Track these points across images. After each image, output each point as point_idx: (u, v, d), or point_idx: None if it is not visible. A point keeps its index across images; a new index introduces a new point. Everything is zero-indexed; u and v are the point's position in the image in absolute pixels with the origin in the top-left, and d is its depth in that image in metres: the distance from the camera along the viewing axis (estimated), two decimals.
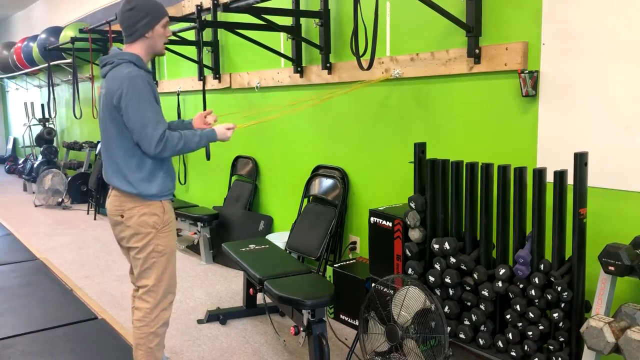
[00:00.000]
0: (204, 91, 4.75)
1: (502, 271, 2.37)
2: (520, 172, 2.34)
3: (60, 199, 7.57)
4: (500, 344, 2.42)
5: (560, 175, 2.22)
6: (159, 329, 2.56)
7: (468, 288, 2.51)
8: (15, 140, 11.95)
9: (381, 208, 2.93)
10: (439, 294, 2.63)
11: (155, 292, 2.53)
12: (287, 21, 4.03)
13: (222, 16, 4.82)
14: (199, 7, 5.07)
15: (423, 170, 2.69)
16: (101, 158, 2.58)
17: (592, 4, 2.43)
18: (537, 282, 2.25)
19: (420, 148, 2.71)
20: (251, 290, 3.49)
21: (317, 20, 3.83)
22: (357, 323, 3.03)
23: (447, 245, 2.53)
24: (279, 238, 4.14)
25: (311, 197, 4.15)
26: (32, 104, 9.89)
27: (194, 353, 3.15)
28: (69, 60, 7.33)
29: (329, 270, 3.57)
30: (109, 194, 2.56)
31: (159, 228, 2.48)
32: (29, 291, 4.19)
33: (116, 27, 5.76)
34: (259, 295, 3.33)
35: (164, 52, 2.55)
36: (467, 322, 2.53)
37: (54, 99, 8.16)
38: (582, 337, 2.09)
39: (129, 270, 2.70)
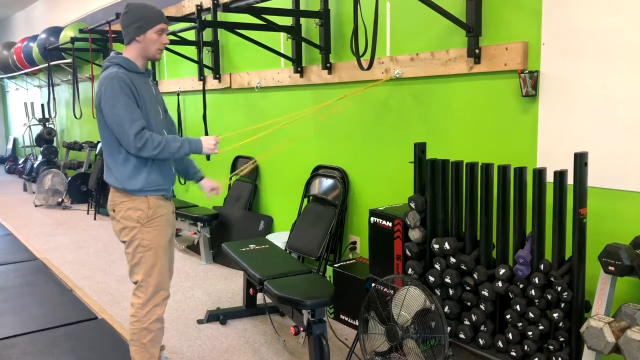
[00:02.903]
0: (204, 91, 4.75)
1: (502, 271, 2.37)
2: (520, 172, 2.34)
3: (60, 199, 7.57)
4: (500, 344, 2.42)
5: (560, 175, 2.22)
6: (151, 325, 2.59)
7: (468, 288, 2.51)
8: (15, 140, 11.95)
9: (381, 208, 2.93)
10: (439, 294, 2.63)
11: (146, 288, 2.57)
12: (287, 21, 4.03)
13: (222, 16, 4.82)
14: (199, 7, 5.07)
15: (423, 170, 2.69)
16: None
17: (592, 4, 2.43)
18: (537, 282, 2.25)
19: (420, 148, 2.71)
20: (251, 290, 3.49)
21: (317, 20, 3.83)
22: (357, 323, 3.03)
23: (447, 245, 2.53)
24: (279, 238, 4.14)
25: (311, 197, 4.15)
26: (32, 104, 9.90)
27: (194, 353, 3.15)
28: (69, 60, 7.33)
29: (329, 270, 3.57)
30: None
31: (143, 222, 2.53)
32: (29, 291, 4.19)
33: (116, 27, 5.76)
34: (259, 295, 3.34)
35: (157, 58, 2.59)
36: (467, 322, 2.53)
37: (54, 99, 8.17)
38: (582, 337, 2.09)
39: None
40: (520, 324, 2.34)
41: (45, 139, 8.57)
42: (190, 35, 5.35)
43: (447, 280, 2.54)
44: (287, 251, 3.96)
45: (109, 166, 2.55)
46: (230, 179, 2.75)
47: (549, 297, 2.22)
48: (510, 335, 2.38)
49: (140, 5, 2.50)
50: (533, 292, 2.26)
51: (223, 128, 4.85)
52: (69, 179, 7.68)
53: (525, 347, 2.33)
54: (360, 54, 2.92)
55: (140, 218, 2.53)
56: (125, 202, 2.53)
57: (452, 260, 2.53)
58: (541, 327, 2.27)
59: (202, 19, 4.97)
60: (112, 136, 2.48)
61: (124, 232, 2.56)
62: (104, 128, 2.50)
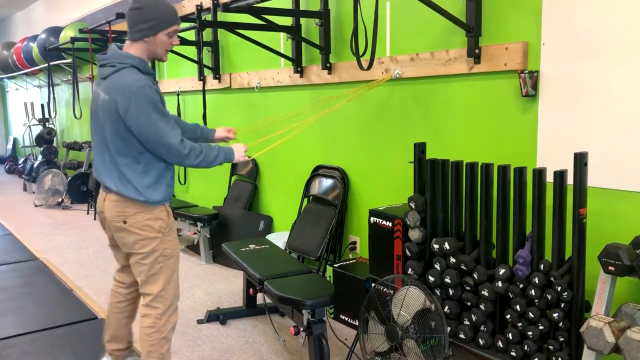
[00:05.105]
0: (204, 91, 4.76)
1: (502, 271, 2.37)
2: (520, 172, 2.34)
3: (60, 199, 7.57)
4: (500, 344, 2.42)
5: (560, 175, 2.22)
6: (169, 334, 2.55)
7: (468, 288, 2.51)
8: (15, 140, 11.95)
9: (381, 208, 2.93)
10: (439, 294, 2.63)
11: (165, 298, 2.51)
12: (287, 21, 4.03)
13: (222, 16, 4.82)
14: (199, 7, 5.07)
15: (423, 170, 2.69)
16: (95, 161, 2.52)
17: (592, 4, 2.43)
18: (537, 282, 2.25)
19: (420, 148, 2.71)
20: (251, 290, 3.49)
21: (317, 20, 3.83)
22: (357, 323, 3.03)
23: (447, 245, 2.53)
24: (279, 238, 4.14)
25: (311, 197, 4.15)
26: (32, 104, 9.89)
27: (194, 353, 3.15)
28: (69, 60, 7.33)
29: (329, 270, 3.57)
30: (103, 198, 2.48)
31: (165, 232, 2.47)
32: (29, 291, 4.19)
33: (116, 27, 5.76)
34: (259, 295, 3.34)
35: (164, 59, 2.46)
36: (467, 322, 2.54)
37: (54, 99, 8.16)
38: (582, 337, 2.09)
39: (116, 269, 2.77)
40: (520, 324, 2.34)
41: (45, 139, 8.57)
42: (190, 35, 5.35)
43: (447, 280, 2.54)
44: (287, 251, 3.96)
45: (126, 178, 2.36)
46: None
47: (549, 297, 2.22)
48: (510, 335, 2.38)
49: (155, 2, 2.32)
50: (533, 292, 2.26)
51: None
52: (69, 179, 7.68)
53: (525, 347, 2.33)
54: (360, 54, 2.92)
55: (162, 228, 2.45)
56: (142, 212, 2.40)
57: (452, 260, 2.53)
58: (541, 327, 2.27)
59: (202, 19, 4.97)
60: (134, 146, 2.33)
61: (142, 243, 2.43)
62: (126, 138, 2.32)
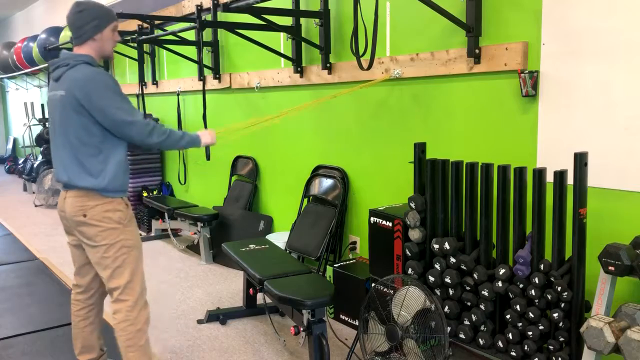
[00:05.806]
0: (204, 91, 4.74)
1: (502, 271, 2.37)
2: (520, 172, 2.34)
3: None
4: (500, 344, 2.42)
5: (560, 175, 2.22)
6: (144, 325, 2.57)
7: (468, 288, 2.51)
8: (15, 140, 11.95)
9: (381, 208, 2.93)
10: (439, 294, 2.63)
11: (132, 289, 2.53)
12: (287, 21, 4.03)
13: (222, 16, 4.82)
14: (199, 7, 5.07)
15: (423, 170, 2.69)
16: (55, 165, 2.58)
17: (592, 4, 2.43)
18: (537, 282, 2.25)
19: (420, 148, 2.72)
20: (251, 290, 3.49)
21: (317, 20, 3.83)
22: (357, 323, 3.03)
23: (447, 245, 2.53)
24: (279, 238, 4.14)
25: (311, 197, 4.15)
26: (32, 104, 9.89)
27: (194, 353, 3.15)
28: None
29: (329, 270, 3.57)
30: (63, 197, 2.52)
31: (124, 223, 2.51)
32: (29, 291, 4.19)
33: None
34: (259, 295, 3.34)
35: (112, 55, 2.61)
36: (467, 322, 2.54)
37: None
38: (582, 337, 2.09)
39: (74, 272, 2.72)
40: (520, 324, 2.34)
41: (45, 139, 8.55)
42: (190, 35, 5.35)
43: (447, 280, 2.54)
44: (287, 251, 3.96)
45: (85, 168, 2.42)
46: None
47: (549, 297, 2.22)
48: (510, 335, 2.38)
49: (94, 3, 2.48)
50: (533, 292, 2.26)
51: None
52: None
53: (525, 347, 2.33)
54: (360, 54, 2.92)
55: (122, 218, 2.49)
56: (101, 204, 2.44)
57: (452, 260, 2.53)
58: (541, 327, 2.27)
59: (202, 19, 4.97)
60: (95, 135, 2.41)
61: (102, 235, 2.46)
62: (87, 128, 2.40)
